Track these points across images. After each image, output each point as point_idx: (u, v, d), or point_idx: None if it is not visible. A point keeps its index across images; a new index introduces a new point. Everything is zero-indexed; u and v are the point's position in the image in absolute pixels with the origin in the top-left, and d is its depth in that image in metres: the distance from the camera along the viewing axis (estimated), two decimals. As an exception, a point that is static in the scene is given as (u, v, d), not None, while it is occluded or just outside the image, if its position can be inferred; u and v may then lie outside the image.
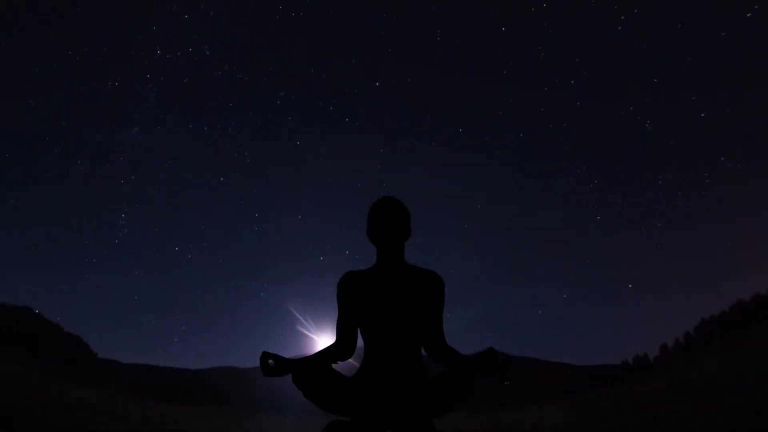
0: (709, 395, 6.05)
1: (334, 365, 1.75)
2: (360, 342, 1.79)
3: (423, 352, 1.78)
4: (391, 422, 1.63)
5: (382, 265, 1.79)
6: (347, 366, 1.78)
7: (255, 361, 1.69)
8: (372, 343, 1.75)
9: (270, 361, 1.64)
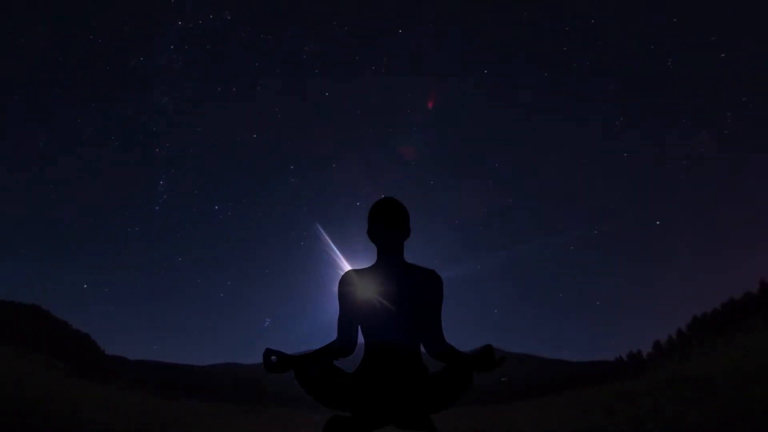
0: (702, 391, 6.04)
1: (335, 362, 1.74)
2: (360, 339, 1.78)
3: (422, 349, 1.77)
4: (391, 418, 1.63)
5: (383, 263, 1.79)
6: (348, 363, 1.78)
7: (258, 358, 1.68)
8: (372, 340, 1.74)
9: (272, 358, 1.64)
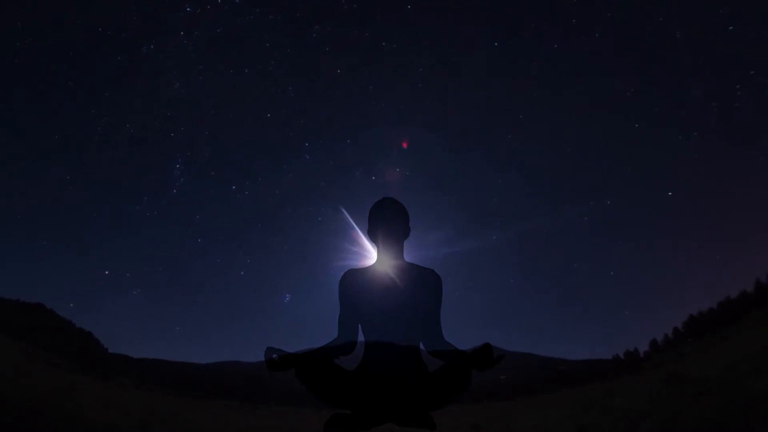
0: (698, 389, 6.04)
1: (335, 360, 1.74)
2: (361, 337, 1.79)
3: (422, 347, 1.77)
4: (391, 415, 1.63)
5: (382, 263, 1.79)
6: (348, 361, 1.78)
7: (260, 356, 1.68)
8: (372, 338, 1.74)
9: (274, 356, 1.63)
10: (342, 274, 1.82)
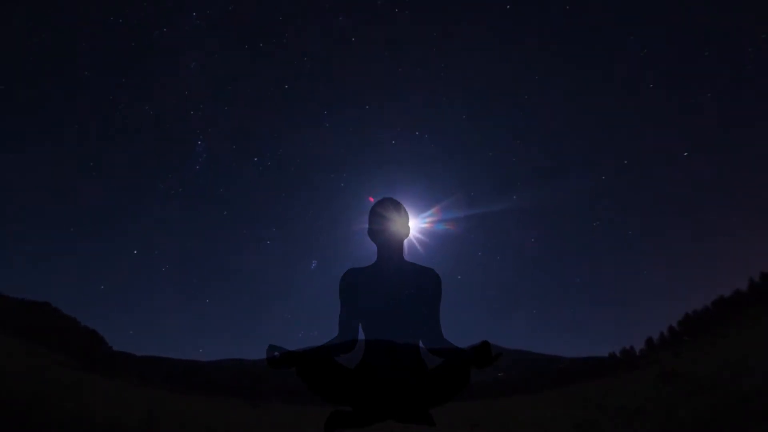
0: (693, 386, 6.04)
1: (336, 358, 1.75)
2: (361, 335, 1.79)
3: (421, 345, 1.78)
4: (390, 412, 1.63)
5: (382, 262, 1.80)
6: (349, 359, 1.78)
7: (262, 354, 1.68)
8: (372, 336, 1.74)
9: (275, 354, 1.63)
10: (344, 270, 1.83)
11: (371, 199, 1.85)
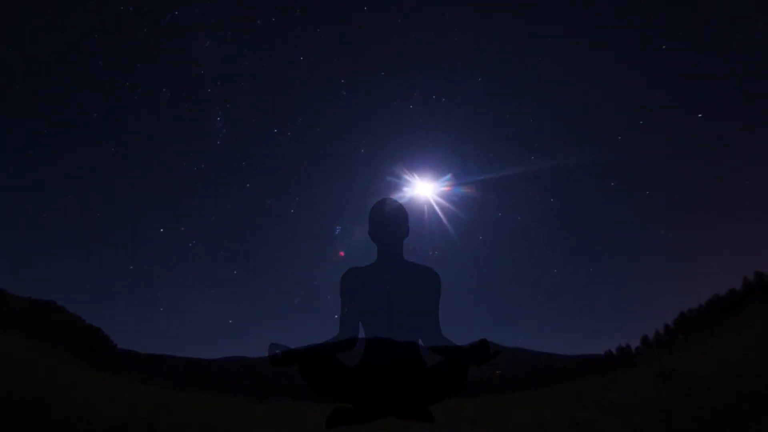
0: (690, 384, 6.03)
1: (337, 356, 1.74)
2: (361, 334, 1.78)
3: (420, 342, 1.77)
4: (390, 409, 1.63)
5: (382, 261, 1.80)
6: (349, 357, 1.77)
7: (265, 352, 1.67)
8: (372, 335, 1.74)
9: (277, 352, 1.63)
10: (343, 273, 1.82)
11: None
